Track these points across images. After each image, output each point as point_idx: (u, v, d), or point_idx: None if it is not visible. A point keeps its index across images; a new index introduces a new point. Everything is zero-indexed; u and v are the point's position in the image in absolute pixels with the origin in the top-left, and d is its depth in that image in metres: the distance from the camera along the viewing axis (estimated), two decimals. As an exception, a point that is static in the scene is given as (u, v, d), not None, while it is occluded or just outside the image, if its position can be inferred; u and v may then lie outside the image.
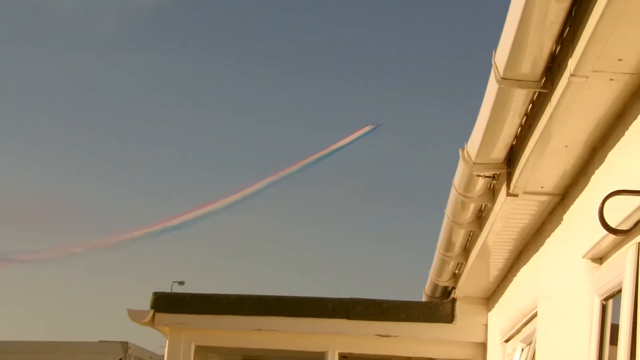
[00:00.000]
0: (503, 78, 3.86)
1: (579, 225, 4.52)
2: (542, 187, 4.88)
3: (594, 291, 4.20)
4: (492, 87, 4.07)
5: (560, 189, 4.92)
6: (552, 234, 5.23)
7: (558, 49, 3.72)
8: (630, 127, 3.69)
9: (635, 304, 3.49)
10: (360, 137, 58.41)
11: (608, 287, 3.95)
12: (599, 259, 4.25)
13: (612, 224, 3.67)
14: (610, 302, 4.05)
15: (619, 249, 3.93)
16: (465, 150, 5.02)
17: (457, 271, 7.84)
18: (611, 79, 3.53)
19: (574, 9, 3.40)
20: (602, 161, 4.13)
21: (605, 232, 3.85)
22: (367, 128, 58.33)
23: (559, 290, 5.01)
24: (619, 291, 3.75)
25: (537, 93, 4.11)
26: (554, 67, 3.82)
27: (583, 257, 4.29)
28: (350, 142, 58.21)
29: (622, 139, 3.80)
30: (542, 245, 5.56)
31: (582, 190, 4.51)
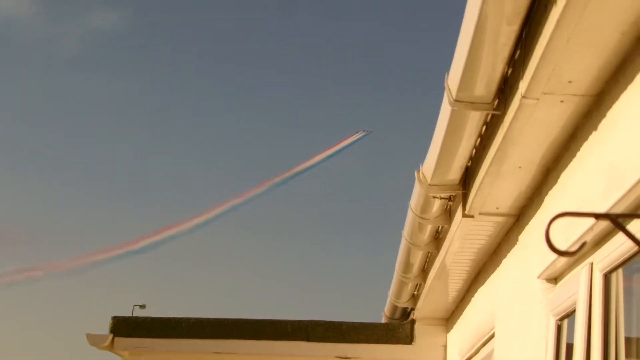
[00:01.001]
0: (456, 100, 3.88)
1: (534, 246, 4.55)
2: (497, 208, 4.91)
3: (549, 311, 4.22)
4: (445, 109, 4.09)
5: (516, 210, 4.94)
6: (508, 254, 5.26)
7: (510, 71, 3.75)
8: (582, 149, 3.72)
9: (589, 324, 3.50)
10: (351, 144, 58.65)
11: (563, 307, 3.97)
12: (554, 280, 4.27)
13: (564, 245, 3.69)
14: (566, 322, 4.07)
15: (573, 269, 3.95)
16: (420, 172, 5.04)
17: (416, 292, 7.84)
18: (562, 101, 3.56)
19: (524, 31, 3.43)
20: (555, 182, 4.16)
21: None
22: (358, 135, 58.59)
23: (515, 311, 5.03)
24: (574, 311, 3.77)
25: (490, 115, 4.13)
26: (506, 89, 3.84)
27: (538, 277, 4.31)
28: (342, 149, 58.37)
29: (574, 160, 3.84)
30: (498, 265, 5.58)
31: (537, 210, 4.54)
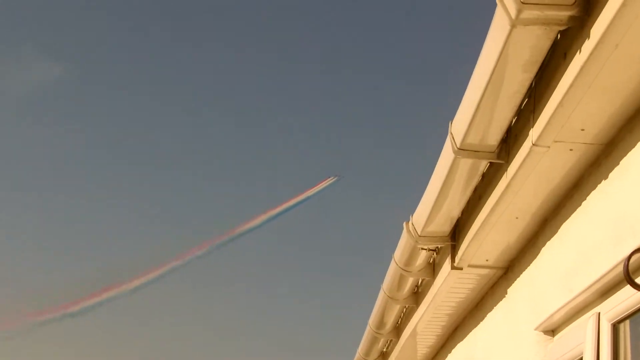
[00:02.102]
0: (460, 149, 3.84)
1: (526, 298, 4.51)
2: (487, 260, 4.86)
3: (547, 363, 4.17)
4: (446, 157, 4.03)
5: (504, 262, 4.90)
6: (495, 307, 5.19)
7: (514, 120, 3.73)
8: (588, 198, 3.69)
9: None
10: (323, 189, 58.67)
11: (566, 358, 3.92)
12: (551, 331, 4.22)
13: (569, 294, 3.68)
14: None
15: (574, 320, 3.91)
16: (410, 223, 4.97)
17: (385, 349, 7.75)
18: (571, 149, 3.55)
19: (534, 79, 3.42)
20: (554, 232, 4.12)
21: (560, 304, 3.85)
22: (330, 180, 58.63)
23: (503, 365, 4.96)
24: (578, 362, 3.73)
25: (487, 164, 4.11)
26: (509, 137, 3.82)
27: (535, 329, 4.25)
28: (314, 195, 58.27)
29: (579, 210, 3.80)
30: (482, 320, 5.51)
31: (530, 262, 4.50)
